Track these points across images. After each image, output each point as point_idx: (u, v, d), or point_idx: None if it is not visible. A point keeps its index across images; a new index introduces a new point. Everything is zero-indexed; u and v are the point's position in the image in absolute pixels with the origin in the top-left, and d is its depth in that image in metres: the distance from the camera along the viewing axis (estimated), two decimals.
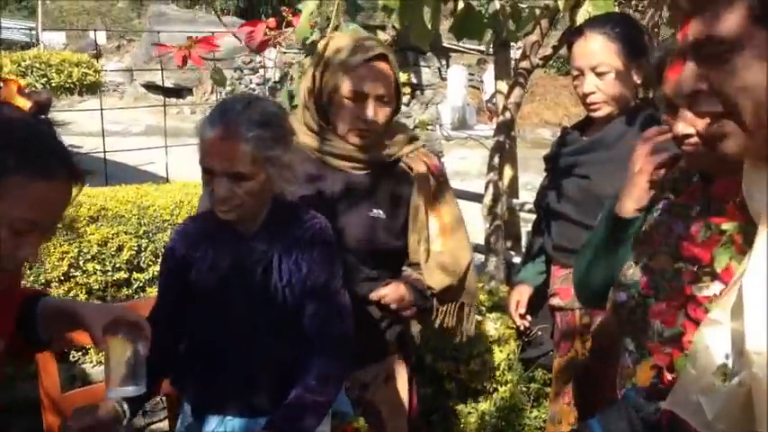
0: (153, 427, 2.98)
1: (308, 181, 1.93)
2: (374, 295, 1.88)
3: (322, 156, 1.95)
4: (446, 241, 2.02)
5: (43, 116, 1.16)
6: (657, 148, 1.35)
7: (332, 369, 1.61)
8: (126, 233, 3.18)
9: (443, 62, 15.12)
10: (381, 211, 1.95)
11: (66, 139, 1.25)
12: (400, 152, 2.01)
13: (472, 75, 16.10)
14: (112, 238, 3.14)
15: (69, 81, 8.10)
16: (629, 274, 1.31)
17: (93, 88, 8.50)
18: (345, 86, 1.88)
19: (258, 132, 1.55)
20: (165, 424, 2.76)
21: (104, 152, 4.21)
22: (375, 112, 1.88)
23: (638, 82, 2.15)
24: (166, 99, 10.83)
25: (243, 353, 1.64)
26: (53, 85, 7.82)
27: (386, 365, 2.06)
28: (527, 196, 3.79)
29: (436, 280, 1.98)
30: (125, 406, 1.49)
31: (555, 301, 2.28)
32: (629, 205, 1.39)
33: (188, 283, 1.68)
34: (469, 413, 2.81)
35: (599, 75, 2.11)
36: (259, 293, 1.64)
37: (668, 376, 1.00)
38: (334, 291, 1.67)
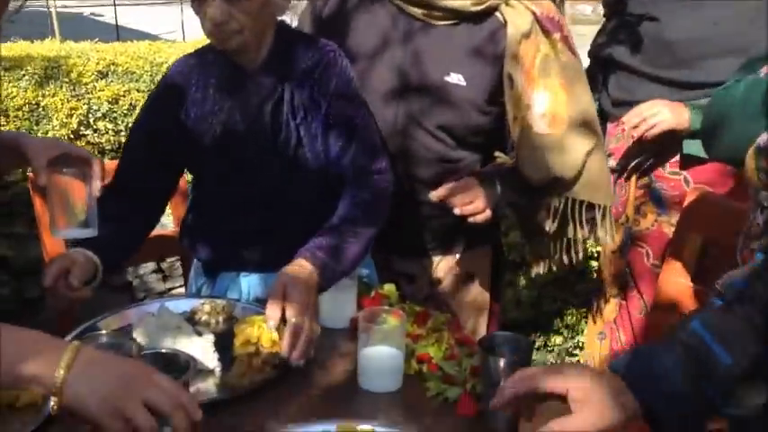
0: (173, 291, 2.88)
1: (376, 33, 1.59)
2: (433, 195, 1.53)
3: (393, 0, 1.57)
4: (555, 123, 1.54)
5: None
6: None
7: (369, 201, 1.40)
8: (138, 91, 2.96)
9: None
10: (461, 76, 1.55)
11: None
12: None
13: None
14: (124, 96, 2.93)
15: None
16: None
17: None
18: None
19: None
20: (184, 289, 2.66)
21: (114, 4, 3.91)
22: None
23: None
24: None
25: (255, 201, 1.45)
26: None
27: (463, 260, 1.74)
28: None
29: (531, 170, 1.56)
30: (97, 259, 1.31)
31: (609, 164, 2.03)
32: None
33: (184, 127, 1.45)
34: (507, 287, 2.63)
35: None
36: (270, 134, 1.42)
37: None
38: (362, 125, 1.44)
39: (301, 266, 1.25)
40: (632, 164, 1.99)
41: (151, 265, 2.86)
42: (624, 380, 0.86)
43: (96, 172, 1.21)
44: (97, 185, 1.20)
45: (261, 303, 1.42)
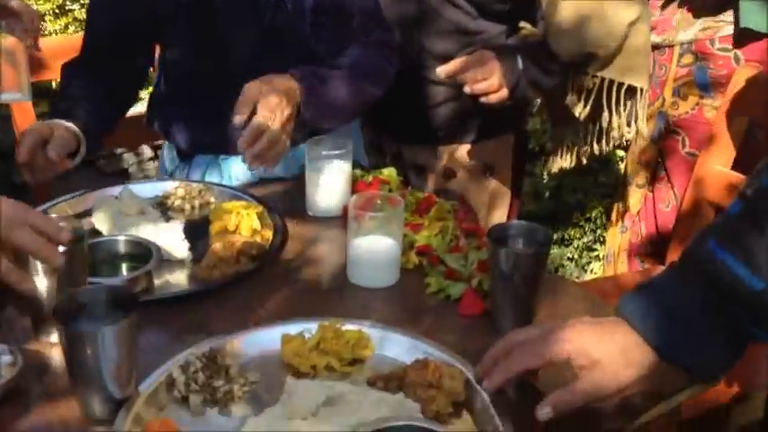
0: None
1: None
2: (441, 70, 1.33)
3: None
4: None
5: None
6: None
7: (373, 61, 1.29)
8: None
9: None
10: None
11: None
12: None
13: None
14: None
15: None
16: None
17: None
18: None
19: None
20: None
21: None
22: None
23: None
24: None
25: (231, 75, 1.27)
26: None
27: (480, 149, 1.58)
28: None
29: (562, 44, 1.36)
30: (78, 131, 1.16)
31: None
32: None
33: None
34: (527, 178, 2.47)
35: None
36: (245, 2, 1.25)
37: None
38: None
39: (286, 80, 1.16)
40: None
41: (148, 152, 2.72)
42: (639, 334, 0.73)
43: (29, 27, 1.06)
44: (30, 42, 1.06)
45: (243, 188, 1.27)
